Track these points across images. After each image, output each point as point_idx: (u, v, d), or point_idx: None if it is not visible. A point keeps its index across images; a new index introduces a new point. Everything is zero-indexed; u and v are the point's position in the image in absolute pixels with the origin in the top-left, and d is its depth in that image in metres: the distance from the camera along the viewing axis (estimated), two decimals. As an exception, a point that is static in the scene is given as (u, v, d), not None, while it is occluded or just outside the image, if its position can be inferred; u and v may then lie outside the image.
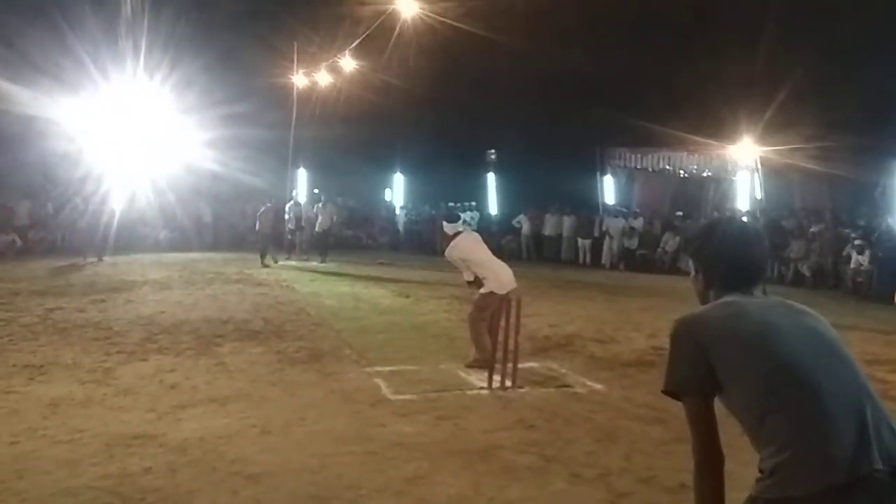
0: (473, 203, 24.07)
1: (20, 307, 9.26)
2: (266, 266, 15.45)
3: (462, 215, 19.82)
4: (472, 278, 6.64)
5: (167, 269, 14.36)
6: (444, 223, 6.96)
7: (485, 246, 6.85)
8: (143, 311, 9.22)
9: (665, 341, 7.05)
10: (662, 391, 1.83)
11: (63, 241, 17.87)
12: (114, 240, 16.22)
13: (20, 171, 18.56)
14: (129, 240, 17.78)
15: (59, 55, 16.03)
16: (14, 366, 6.22)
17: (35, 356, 6.60)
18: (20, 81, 15.51)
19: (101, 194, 16.19)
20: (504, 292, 6.37)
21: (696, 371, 1.74)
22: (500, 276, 6.52)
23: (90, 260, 15.23)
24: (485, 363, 6.18)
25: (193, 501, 3.60)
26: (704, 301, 1.93)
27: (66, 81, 16.34)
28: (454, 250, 6.64)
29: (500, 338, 6.11)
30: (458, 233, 6.81)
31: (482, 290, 6.51)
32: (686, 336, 1.80)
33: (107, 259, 15.49)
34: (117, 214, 16.50)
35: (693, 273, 1.99)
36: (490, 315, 6.45)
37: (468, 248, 6.67)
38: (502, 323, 6.16)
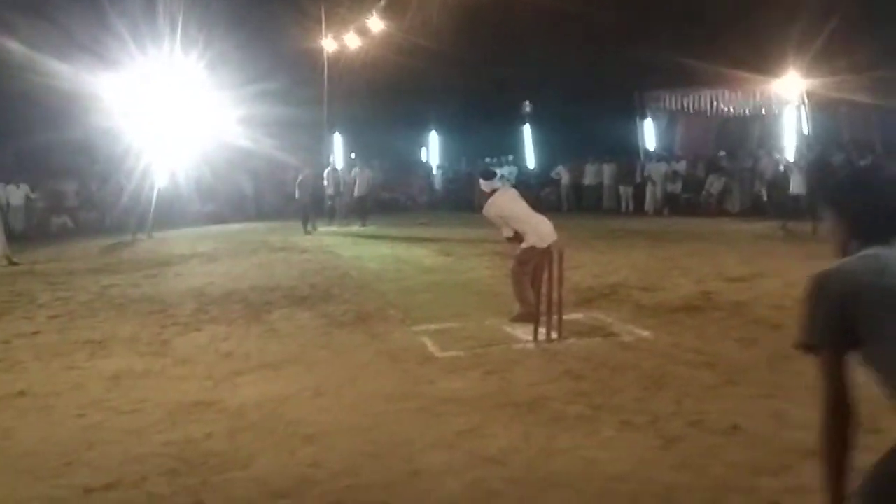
0: (510, 157, 23.85)
1: (77, 286, 9.59)
2: (308, 233, 15.66)
3: (499, 171, 19.73)
4: (511, 234, 6.62)
5: (213, 241, 14.67)
6: (481, 181, 6.93)
7: (523, 201, 6.80)
8: (193, 283, 9.47)
9: (713, 284, 6.99)
10: (794, 346, 1.79)
11: (112, 220, 18.36)
12: (158, 215, 16.61)
13: (65, 150, 19.02)
14: (172, 215, 18.17)
15: (99, 31, 16.27)
16: (76, 342, 6.48)
17: (95, 332, 6.86)
18: (63, 58, 15.80)
19: (143, 171, 16.52)
20: (545, 245, 6.34)
21: (834, 325, 1.69)
22: (539, 229, 6.48)
23: (139, 237, 15.64)
24: (529, 317, 6.20)
25: (254, 462, 3.73)
26: (843, 253, 1.84)
27: (106, 58, 16.61)
28: (492, 207, 6.61)
29: (544, 290, 6.10)
30: (495, 190, 6.77)
31: (523, 245, 6.49)
32: (826, 289, 1.74)
33: (154, 235, 15.88)
34: (160, 190, 16.85)
35: (833, 223, 1.89)
36: (532, 269, 6.44)
37: (505, 204, 6.64)
38: (545, 276, 6.15)
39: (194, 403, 4.67)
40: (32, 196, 17.42)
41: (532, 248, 6.40)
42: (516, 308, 6.59)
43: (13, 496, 3.43)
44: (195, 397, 4.80)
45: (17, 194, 17.05)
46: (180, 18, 17.44)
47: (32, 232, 17.02)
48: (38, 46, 15.50)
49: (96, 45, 16.25)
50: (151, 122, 17.71)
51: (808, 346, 1.75)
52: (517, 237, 6.58)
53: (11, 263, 11.89)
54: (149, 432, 4.20)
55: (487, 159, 22.53)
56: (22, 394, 5.03)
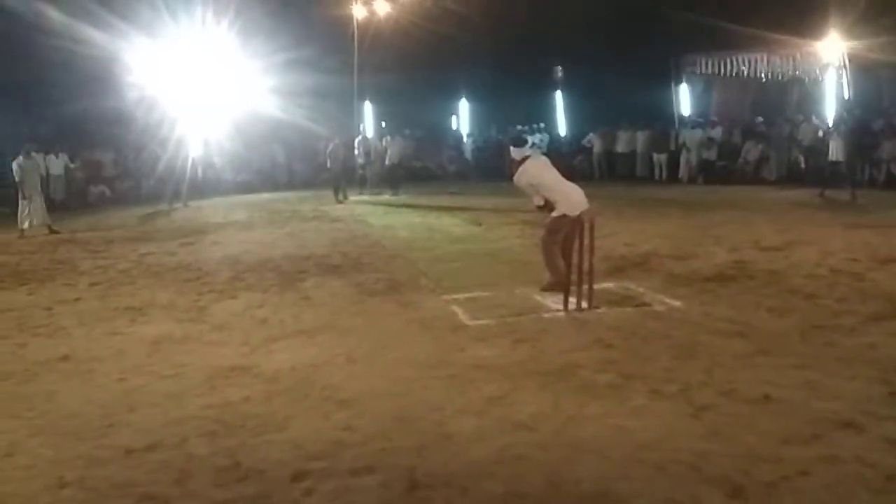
0: (542, 124, 23.55)
1: (116, 254, 9.83)
2: (340, 202, 15.76)
3: (530, 139, 19.54)
4: (542, 203, 6.58)
5: (246, 210, 14.86)
6: (511, 148, 6.86)
7: (554, 169, 6.73)
8: (228, 252, 9.64)
9: (747, 253, 6.92)
10: None
11: (146, 189, 18.67)
12: (196, 185, 16.84)
13: (102, 120, 19.28)
14: (207, 184, 18.41)
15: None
16: (116, 309, 6.67)
17: (134, 299, 7.05)
18: (98, 24, 15.95)
19: (177, 140, 16.71)
20: (576, 213, 6.28)
21: None
22: (571, 197, 6.43)
23: (175, 206, 15.90)
24: (560, 286, 6.19)
25: (289, 426, 3.84)
26: None
27: (140, 25, 16.71)
28: (523, 175, 6.56)
29: (575, 259, 6.09)
30: (526, 157, 6.71)
31: (554, 214, 6.45)
32: None
33: (191, 204, 16.14)
34: (195, 160, 17.05)
35: None
36: (563, 237, 6.41)
37: (537, 173, 6.58)
38: (576, 245, 6.13)
39: (231, 368, 4.80)
40: (72, 166, 17.75)
41: (563, 217, 6.36)
42: (546, 277, 6.58)
43: (57, 456, 3.59)
44: (232, 362, 4.93)
45: (56, 164, 17.39)
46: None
47: (72, 201, 17.39)
48: (74, 13, 15.67)
49: (130, 12, 16.35)
50: (184, 91, 17.85)
51: None
52: (548, 206, 6.54)
53: (52, 232, 12.21)
54: (188, 396, 4.34)
55: (518, 127, 22.28)
56: (65, 358, 5.21)
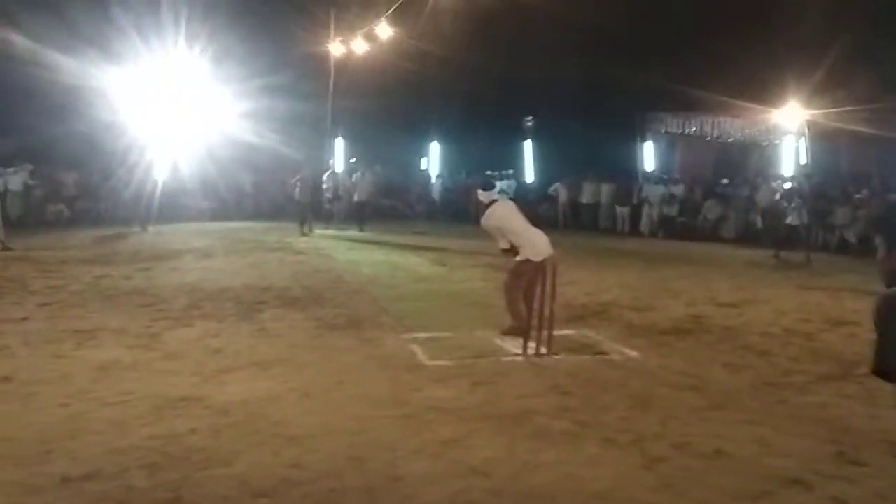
0: (510, 171, 23.90)
1: (69, 275, 9.57)
2: (305, 235, 15.66)
3: (498, 184, 19.73)
4: (507, 246, 6.62)
5: (209, 238, 14.66)
6: (480, 191, 6.90)
7: (520, 214, 6.80)
8: (186, 279, 9.46)
9: (704, 309, 7.02)
10: (873, 372, 1.73)
11: (109, 211, 18.35)
12: (157, 210, 16.59)
13: (67, 141, 18.99)
14: (171, 209, 18.16)
15: (103, 25, 16.29)
16: (64, 331, 6.46)
17: (84, 322, 6.84)
18: (67, 51, 15.81)
19: (145, 165, 16.52)
20: (540, 259, 6.33)
21: None
22: (535, 243, 6.48)
23: (135, 229, 15.62)
24: (520, 330, 6.20)
25: (237, 461, 3.72)
26: (892, 282, 1.81)
27: (110, 52, 16.62)
28: (491, 218, 6.60)
29: (536, 305, 6.11)
30: (494, 201, 6.77)
31: (518, 258, 6.49)
32: (892, 308, 1.71)
33: (151, 229, 15.86)
34: (160, 185, 16.84)
35: (884, 253, 1.89)
36: (526, 282, 6.44)
37: (504, 215, 6.63)
38: (538, 290, 6.17)
39: (180, 398, 4.66)
40: (31, 182, 17.37)
41: (527, 262, 6.40)
42: (507, 321, 6.58)
43: (-9, 481, 3.42)
44: (182, 392, 4.79)
45: (15, 180, 17.00)
46: (184, 12, 17.47)
47: (29, 219, 16.97)
48: (42, 40, 15.50)
49: (100, 39, 16.24)
50: (155, 117, 17.71)
51: (886, 372, 1.69)
52: (513, 250, 6.58)
53: (5, 249, 11.87)
54: (132, 425, 4.19)
55: (488, 172, 22.55)
56: (7, 379, 5.02)
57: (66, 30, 15.63)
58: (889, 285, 1.78)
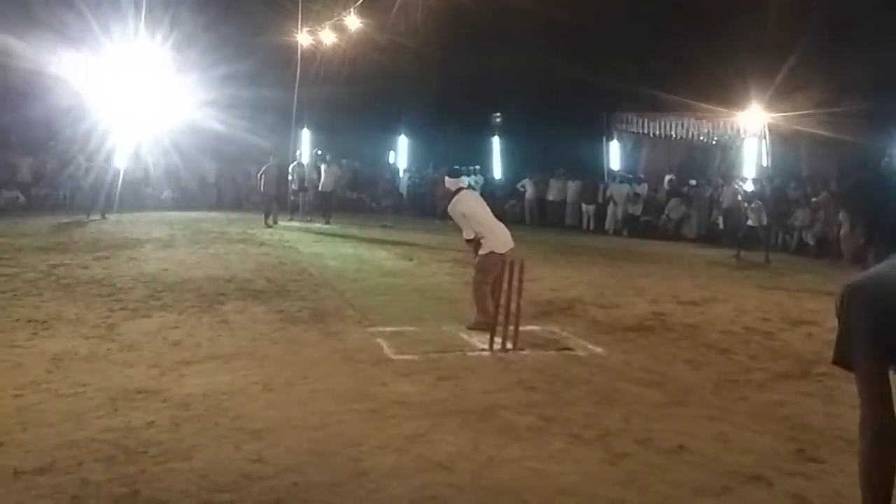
0: (478, 167, 23.87)
1: (24, 263, 9.28)
2: (269, 226, 15.45)
3: (466, 178, 19.66)
4: (471, 236, 6.67)
5: (171, 227, 14.36)
6: (447, 178, 7.05)
7: (486, 205, 6.88)
8: (146, 269, 9.24)
9: (667, 306, 7.08)
10: (834, 362, 1.70)
11: (67, 199, 17.87)
12: (117, 198, 16.20)
13: (23, 127, 18.48)
14: (132, 198, 17.77)
15: (61, 10, 15.82)
16: (18, 320, 6.26)
17: (39, 311, 6.64)
18: (23, 36, 15.33)
19: (105, 152, 16.11)
20: (504, 251, 6.47)
21: (874, 338, 1.60)
22: (498, 235, 6.61)
23: (94, 217, 15.23)
24: (486, 326, 6.21)
25: (196, 455, 3.64)
26: (857, 258, 1.74)
27: (68, 37, 16.15)
28: (458, 204, 6.69)
29: (502, 301, 6.12)
30: (460, 188, 6.86)
31: (482, 252, 6.57)
32: (865, 300, 1.65)
33: (110, 217, 15.49)
34: (121, 173, 16.45)
35: (848, 228, 1.81)
36: (492, 277, 6.47)
37: (470, 203, 6.74)
38: (504, 286, 6.17)
39: (138, 391, 4.54)
40: (-17, 167, 16.85)
41: (491, 255, 6.49)
42: (473, 315, 6.61)
43: (-62, 475, 3.28)
44: (139, 384, 4.67)
45: (-35, 165, 16.47)
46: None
47: (-20, 205, 16.45)
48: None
49: (58, 24, 15.77)
50: (116, 104, 17.27)
51: (847, 363, 1.65)
52: (475, 241, 6.63)
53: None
54: (88, 417, 4.07)
55: (455, 167, 22.50)
56: (-44, 370, 4.83)
57: (21, 13, 15.15)
58: (852, 262, 1.78)
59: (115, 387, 4.60)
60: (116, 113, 17.06)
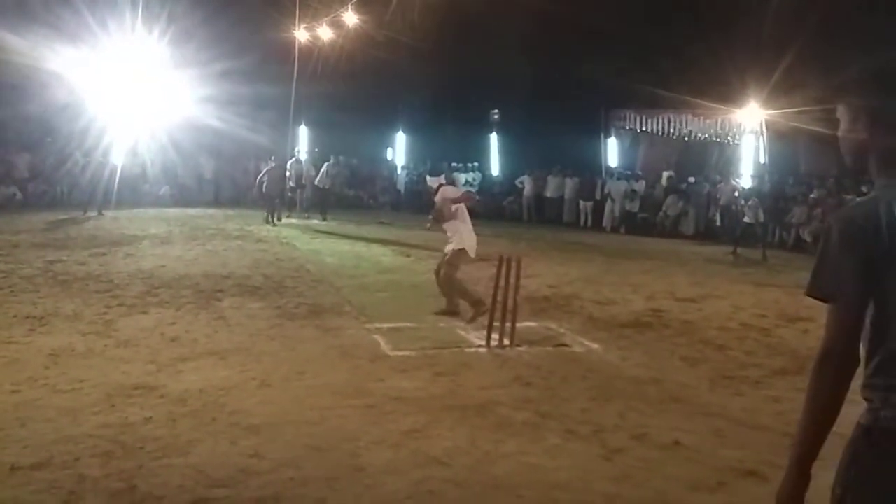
0: (476, 163, 23.89)
1: (20, 259, 9.27)
2: (273, 224, 15.38)
3: (463, 176, 19.92)
4: (441, 217, 6.97)
5: (168, 224, 14.35)
6: (427, 177, 7.67)
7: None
8: (143, 265, 9.24)
9: (663, 303, 7.10)
10: (808, 293, 1.60)
11: (64, 195, 17.83)
12: (115, 194, 16.17)
13: (20, 123, 18.44)
14: (129, 195, 17.73)
15: (57, 5, 15.78)
16: (15, 317, 6.26)
17: (36, 307, 6.63)
18: (19, 31, 15.27)
19: (102, 148, 16.09)
20: (473, 256, 6.89)
21: (857, 273, 1.54)
22: (466, 234, 6.89)
23: (91, 214, 15.21)
24: (481, 306, 6.48)
25: (193, 451, 3.64)
26: (857, 158, 1.63)
27: (65, 32, 16.09)
28: (445, 192, 7.06)
29: (500, 297, 6.13)
30: (441, 185, 7.21)
31: (455, 246, 6.85)
32: (848, 233, 1.56)
33: (107, 213, 15.46)
34: (118, 169, 16.42)
35: (848, 123, 1.67)
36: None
37: (453, 191, 7.27)
38: (501, 283, 6.18)
39: (135, 386, 4.55)
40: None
41: (462, 252, 6.81)
42: (470, 311, 6.67)
43: (-65, 470, 3.29)
44: (136, 380, 4.67)
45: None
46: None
47: (-24, 201, 16.41)
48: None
49: (54, 19, 15.72)
50: (113, 100, 17.21)
51: (822, 295, 1.58)
52: (439, 217, 7.03)
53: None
54: (85, 413, 4.08)
55: (453, 164, 22.50)
56: (-47, 365, 4.83)
57: (17, 9, 15.10)
58: (852, 164, 1.69)
59: (113, 383, 4.60)
60: (113, 109, 17.01)
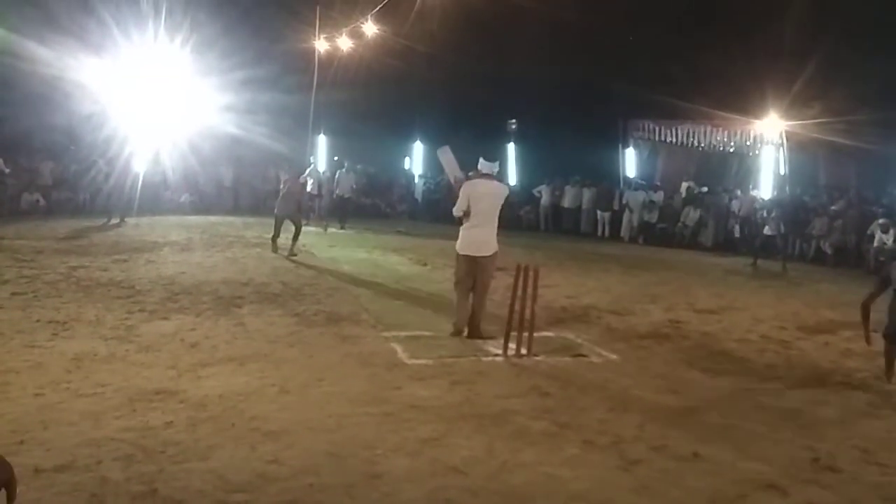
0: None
1: (44, 265, 9.41)
2: (276, 251, 14.23)
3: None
4: (460, 214, 6.64)
5: (188, 231, 14.49)
6: (481, 160, 7.17)
7: (497, 201, 6.80)
8: (164, 272, 9.34)
9: (682, 314, 7.09)
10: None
11: (87, 203, 18.08)
12: (136, 202, 16.36)
13: (45, 132, 18.73)
14: (150, 202, 17.93)
15: (82, 16, 16.06)
16: (38, 321, 6.35)
17: (59, 312, 6.73)
18: (45, 42, 15.56)
19: (125, 156, 16.30)
20: (464, 253, 6.54)
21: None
22: (465, 234, 6.59)
23: (113, 221, 15.40)
24: (455, 328, 6.44)
25: (213, 455, 3.68)
26: None
27: (89, 43, 16.38)
28: (468, 186, 6.80)
29: (517, 307, 6.12)
30: (484, 175, 7.01)
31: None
32: None
33: (129, 221, 15.65)
34: (140, 177, 16.61)
35: None
36: (463, 277, 6.53)
37: (477, 188, 6.79)
38: (519, 292, 6.18)
39: (156, 391, 4.60)
40: (6, 171, 17.04)
41: (456, 255, 6.60)
42: (485, 323, 6.65)
43: (-39, 471, 3.34)
44: (157, 385, 4.72)
45: (-13, 168, 16.67)
46: (165, 2, 17.25)
47: (2, 208, 16.65)
48: (20, 30, 15.22)
49: (79, 30, 16.00)
50: (135, 108, 17.46)
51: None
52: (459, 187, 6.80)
53: (-23, 237, 11.63)
54: (107, 417, 4.13)
55: (470, 173, 22.55)
56: (-22, 369, 4.91)
57: (44, 20, 15.38)
58: None
59: (134, 387, 4.66)
60: (136, 118, 17.25)
